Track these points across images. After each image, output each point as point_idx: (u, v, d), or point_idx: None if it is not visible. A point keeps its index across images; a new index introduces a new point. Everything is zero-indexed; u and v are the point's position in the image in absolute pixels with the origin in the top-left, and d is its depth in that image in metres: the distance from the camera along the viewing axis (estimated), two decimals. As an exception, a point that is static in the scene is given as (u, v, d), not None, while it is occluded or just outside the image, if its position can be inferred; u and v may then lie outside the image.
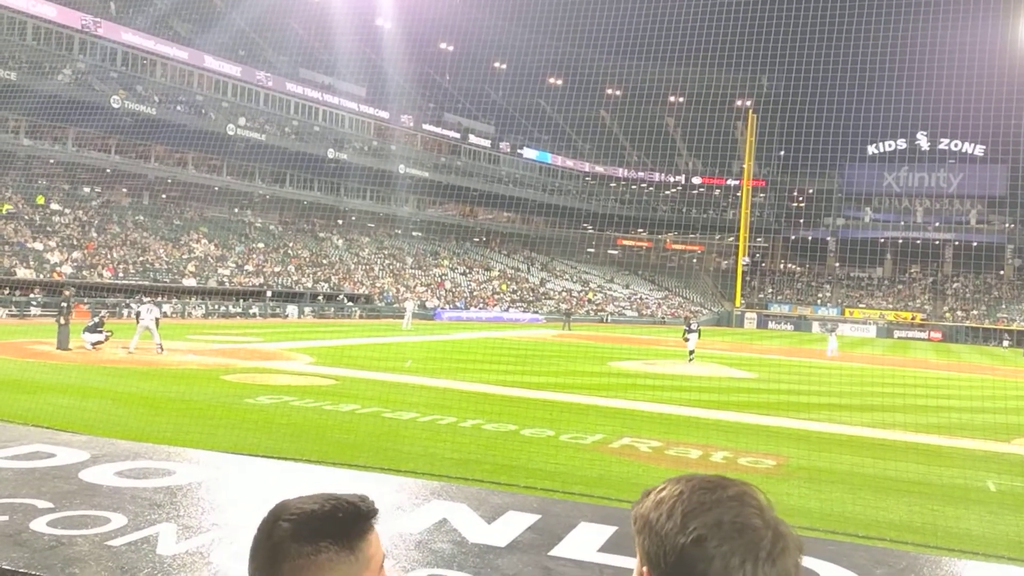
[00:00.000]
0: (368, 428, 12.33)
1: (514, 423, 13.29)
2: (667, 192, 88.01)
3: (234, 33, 61.39)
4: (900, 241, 79.65)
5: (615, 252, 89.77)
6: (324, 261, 60.27)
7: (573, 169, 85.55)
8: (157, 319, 22.58)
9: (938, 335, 68.18)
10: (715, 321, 76.03)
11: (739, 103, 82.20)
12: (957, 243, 77.99)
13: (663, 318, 70.37)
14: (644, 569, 1.16)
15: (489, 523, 6.61)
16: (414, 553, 5.39)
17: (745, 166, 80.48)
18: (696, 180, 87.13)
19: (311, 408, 13.95)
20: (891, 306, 76.41)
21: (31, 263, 40.19)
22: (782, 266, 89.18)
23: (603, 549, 6.07)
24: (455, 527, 6.35)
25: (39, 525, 5.71)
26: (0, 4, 46.68)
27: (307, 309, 50.13)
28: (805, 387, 20.68)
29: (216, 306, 45.23)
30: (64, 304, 22.54)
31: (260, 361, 21.90)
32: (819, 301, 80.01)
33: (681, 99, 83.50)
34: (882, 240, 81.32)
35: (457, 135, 76.11)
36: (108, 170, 51.68)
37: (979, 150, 76.97)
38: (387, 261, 65.81)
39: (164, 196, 57.86)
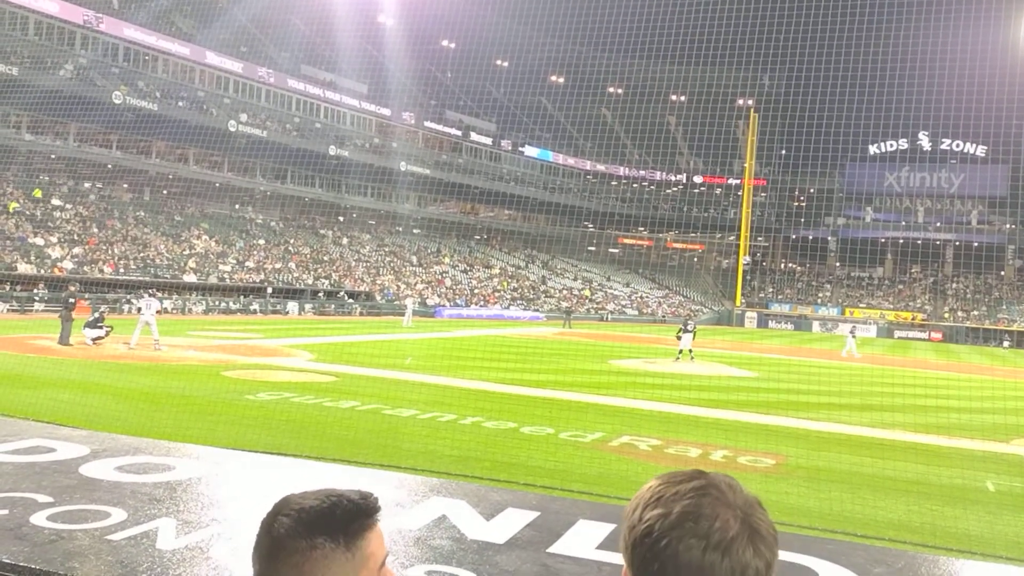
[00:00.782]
0: (368, 425, 12.34)
1: (514, 421, 13.29)
2: (668, 191, 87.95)
3: (236, 29, 61.39)
4: (901, 241, 79.62)
5: (616, 250, 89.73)
6: (325, 258, 60.29)
7: (574, 167, 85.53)
8: (158, 311, 22.59)
9: (938, 335, 68.18)
10: (715, 320, 76.03)
11: (740, 102, 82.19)
12: (958, 243, 77.97)
13: (663, 317, 70.35)
14: (624, 562, 1.18)
15: (488, 520, 6.62)
16: (413, 549, 5.40)
17: (746, 165, 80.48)
18: (697, 179, 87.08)
19: (311, 404, 13.96)
20: (892, 306, 76.40)
21: (32, 259, 40.22)
22: (783, 265, 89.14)
23: (601, 546, 6.08)
24: (454, 524, 6.36)
25: (39, 519, 5.73)
26: (3, 0, 46.74)
27: (308, 306, 50.14)
28: (805, 386, 20.70)
29: (217, 302, 45.26)
30: (70, 300, 22.52)
31: (260, 357, 21.91)
32: (819, 301, 79.99)
33: (683, 98, 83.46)
34: (883, 240, 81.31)
35: (459, 133, 76.11)
36: (109, 166, 51.72)
37: (980, 150, 76.94)
38: (388, 258, 65.83)
39: (165, 192, 57.88)
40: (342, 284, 55.98)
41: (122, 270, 43.42)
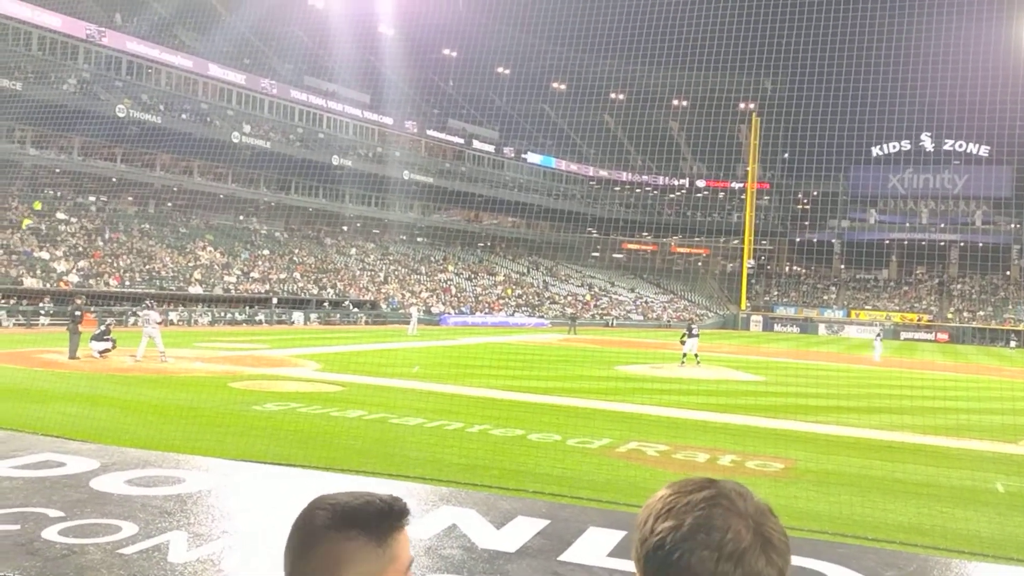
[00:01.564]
0: (375, 434, 12.34)
1: (521, 428, 13.28)
2: (671, 196, 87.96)
3: (238, 41, 61.67)
4: (905, 243, 79.50)
5: (620, 256, 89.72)
6: (329, 267, 60.38)
7: (577, 173, 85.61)
8: (159, 323, 22.57)
9: (945, 336, 68.02)
10: (721, 324, 75.95)
11: (742, 106, 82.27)
12: (963, 244, 77.84)
13: (669, 321, 70.28)
14: (637, 573, 1.19)
15: (498, 528, 6.61)
16: (424, 559, 5.40)
17: (749, 169, 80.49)
18: (700, 183, 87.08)
19: (318, 414, 13.97)
20: (897, 308, 76.24)
21: (38, 272, 40.35)
22: (788, 269, 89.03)
23: (612, 554, 6.07)
24: (464, 532, 6.35)
25: (51, 534, 5.74)
26: (6, 15, 46.94)
27: (313, 315, 50.21)
28: (813, 390, 20.64)
29: (222, 313, 45.33)
30: (76, 313, 22.54)
31: (267, 368, 21.94)
32: (825, 303, 79.87)
33: (684, 103, 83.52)
34: (887, 242, 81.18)
35: (461, 141, 76.27)
36: (114, 179, 51.91)
37: (984, 151, 76.83)
38: (392, 267, 65.90)
39: (170, 204, 58.05)
40: (347, 293, 56.05)
41: (128, 283, 43.53)
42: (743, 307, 78.64)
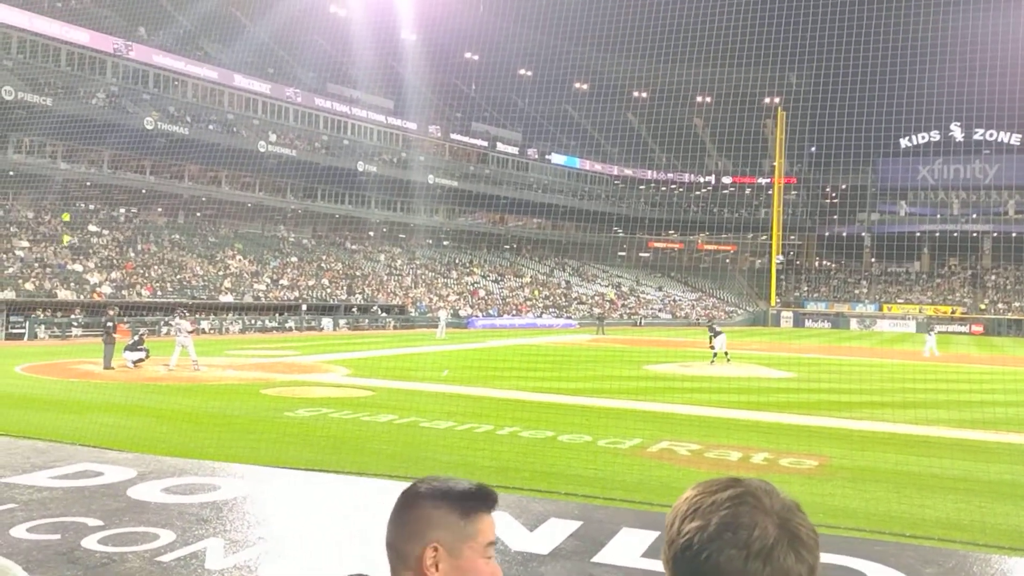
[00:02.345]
0: (406, 438, 12.41)
1: (551, 429, 13.29)
2: (697, 193, 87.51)
3: (262, 51, 62.21)
4: (937, 234, 78.40)
5: (647, 255, 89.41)
6: (357, 273, 60.72)
7: (602, 173, 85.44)
8: (190, 332, 22.80)
9: (979, 328, 67.04)
10: (751, 321, 75.45)
11: (768, 100, 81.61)
12: (995, 234, 76.65)
13: (698, 320, 69.92)
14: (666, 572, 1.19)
15: (531, 531, 6.62)
16: (458, 562, 5.40)
17: (776, 164, 79.89)
18: (726, 180, 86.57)
19: (349, 420, 14.06)
20: (930, 301, 75.27)
21: (71, 284, 40.95)
22: (817, 263, 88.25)
23: (646, 555, 6.06)
24: (497, 535, 6.35)
25: (90, 543, 5.83)
26: (35, 31, 47.72)
27: (342, 321, 50.52)
28: (845, 385, 20.46)
29: (253, 321, 45.74)
30: (109, 324, 22.85)
31: (297, 374, 22.12)
32: (856, 298, 79.05)
33: (708, 99, 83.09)
34: (918, 234, 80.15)
35: (485, 144, 76.40)
36: (144, 191, 52.52)
37: (1015, 139, 75.67)
38: (420, 271, 66.16)
39: (199, 214, 58.67)
40: (375, 299, 56.33)
41: (159, 292, 44.07)
42: (773, 303, 78.06)
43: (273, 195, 61.14)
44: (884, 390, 19.69)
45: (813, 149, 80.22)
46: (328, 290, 54.84)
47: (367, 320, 52.46)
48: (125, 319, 34.07)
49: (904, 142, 78.85)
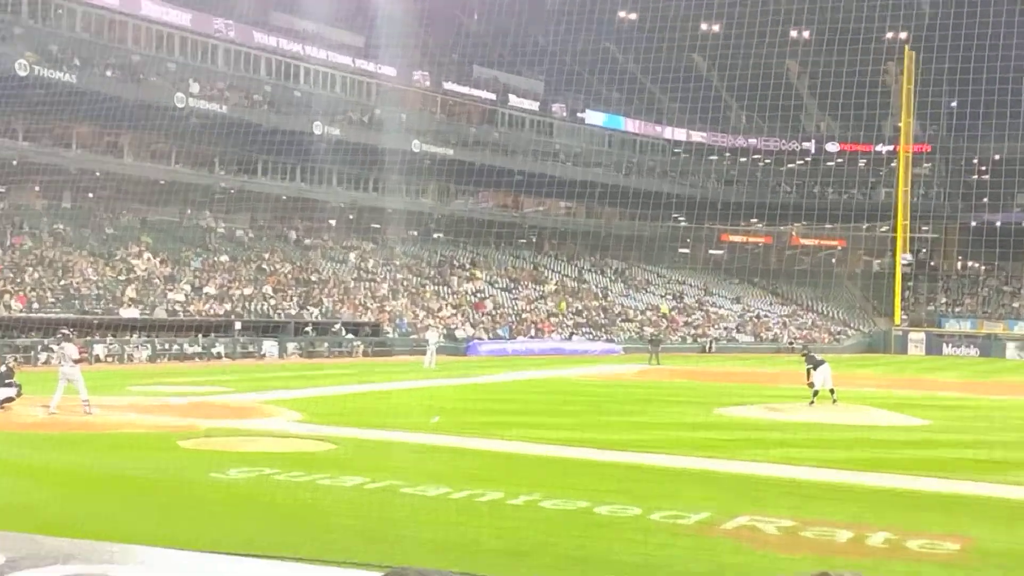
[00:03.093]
0: (381, 510, 12.40)
1: (584, 498, 13.26)
2: (791, 166, 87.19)
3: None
4: None
5: (719, 252, 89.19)
6: (313, 278, 60.83)
7: (657, 138, 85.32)
8: (77, 360, 22.69)
9: None
10: (866, 346, 75.11)
11: (891, 36, 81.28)
12: None
13: (790, 344, 69.65)
14: None
15: (555, 640, 6.64)
16: None
17: (901, 125, 79.54)
18: (832, 147, 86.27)
19: (301, 484, 14.07)
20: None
21: (-85, 293, 41.20)
22: (960, 266, 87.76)
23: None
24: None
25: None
26: None
27: (291, 345, 50.57)
28: (999, 437, 20.35)
29: (166, 345, 45.86)
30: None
31: (229, 420, 22.13)
32: (1016, 314, 78.56)
33: (807, 33, 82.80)
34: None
35: (492, 96, 76.41)
36: (15, 162, 52.68)
37: None
38: (401, 275, 66.21)
39: (91, 196, 58.90)
40: (338, 313, 56.39)
41: (36, 305, 44.24)
42: (897, 321, 77.68)
43: (196, 169, 61.33)
44: (1055, 444, 19.57)
45: (954, 104, 79.80)
46: (272, 302, 54.97)
47: (326, 344, 52.48)
48: (-11, 342, 34.21)
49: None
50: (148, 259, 54.07)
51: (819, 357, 29.34)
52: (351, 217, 71.12)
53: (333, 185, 67.37)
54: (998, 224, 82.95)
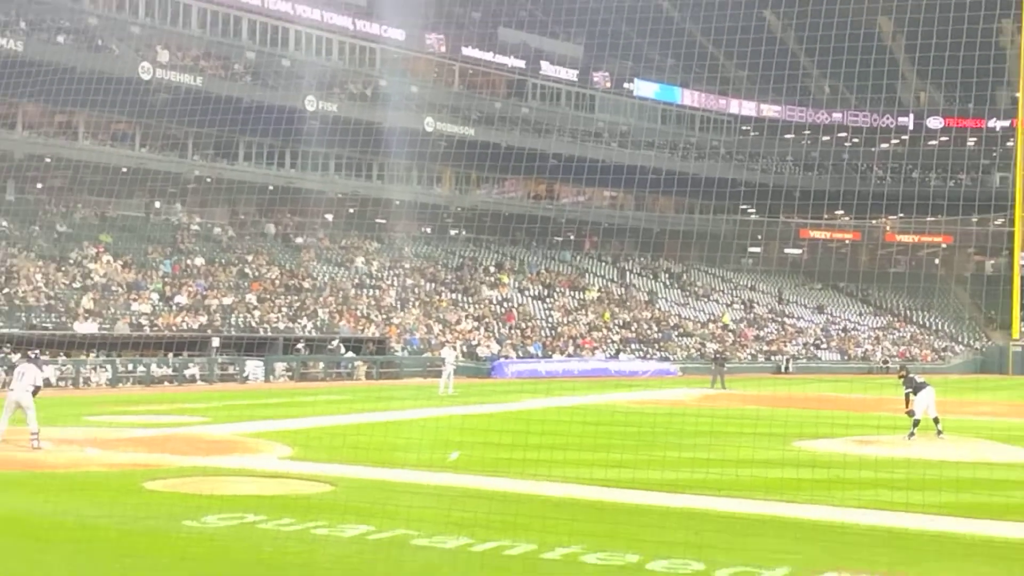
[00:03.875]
0: (387, 567, 12.41)
1: (635, 550, 13.23)
2: (885, 146, 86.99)
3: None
4: None
5: (797, 251, 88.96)
6: (306, 284, 60.97)
7: (721, 112, 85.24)
8: (37, 388, 22.85)
9: None
10: (978, 366, 74.73)
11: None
12: None
13: (885, 363, 69.35)
14: None
15: None
16: None
17: (1020, 95, 79.14)
18: (935, 123, 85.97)
19: (292, 534, 14.09)
20: None
21: None
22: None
23: None
24: None
25: None
26: None
27: (279, 366, 50.69)
28: None
29: (130, 366, 46.05)
30: None
31: (206, 456, 22.19)
32: None
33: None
34: None
35: (522, 64, 76.53)
36: (-53, 147, 53.20)
37: None
38: (410, 281, 66.30)
39: (40, 186, 59.27)
40: (336, 327, 56.50)
41: (-25, 318, 44.58)
42: (1016, 335, 77.26)
43: (165, 153, 61.59)
44: None
45: (1084, 69, 79.32)
46: (257, 313, 55.13)
47: (322, 364, 52.61)
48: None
49: None
50: (108, 263, 54.34)
51: (920, 379, 29.22)
52: (351, 211, 71.31)
53: (329, 172, 67.57)
54: None
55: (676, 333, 70.33)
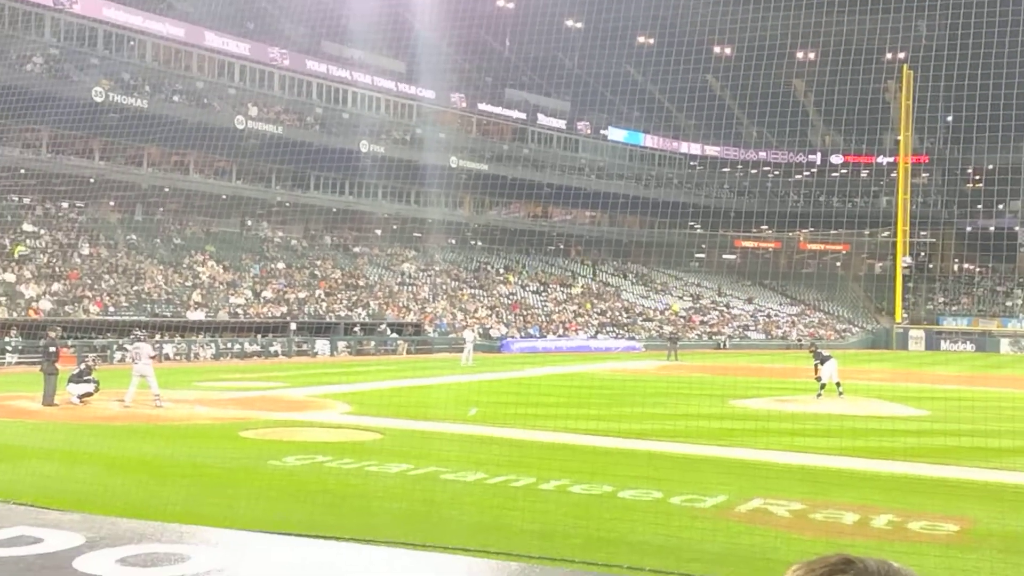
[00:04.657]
0: (423, 494, 12.44)
1: (610, 483, 13.28)
2: (798, 176, 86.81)
3: (240, 1, 62.83)
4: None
5: (732, 256, 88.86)
6: (361, 282, 61.05)
7: (674, 152, 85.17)
8: (152, 357, 22.93)
9: None
10: (869, 342, 74.58)
11: (890, 56, 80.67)
12: None
13: (799, 341, 69.25)
14: None
15: (584, 614, 6.62)
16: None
17: (901, 138, 78.94)
18: (836, 159, 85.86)
19: (351, 470, 14.14)
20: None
21: (2, 299, 41.61)
22: (956, 267, 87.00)
23: (733, 645, 6.04)
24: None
25: (28, 627, 5.91)
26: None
27: (341, 344, 50.77)
28: (994, 426, 20.13)
29: (229, 344, 46.15)
30: (51, 348, 22.88)
31: (286, 412, 22.28)
32: (1008, 312, 77.83)
33: (812, 55, 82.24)
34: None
35: (523, 116, 76.53)
36: (92, 179, 53.13)
37: None
38: (440, 280, 66.37)
39: (161, 209, 59.36)
40: (383, 315, 56.58)
41: (112, 308, 44.66)
42: (898, 319, 77.10)
43: (254, 184, 61.67)
44: (1046, 432, 19.35)
45: (950, 119, 79.12)
46: (324, 305, 55.21)
47: (373, 343, 52.67)
48: (69, 342, 34.54)
49: (1070, 108, 77.57)
50: (212, 266, 54.46)
51: (826, 353, 29.32)
52: (395, 227, 71.40)
53: (378, 198, 67.65)
54: (991, 229, 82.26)
55: (640, 319, 70.28)
